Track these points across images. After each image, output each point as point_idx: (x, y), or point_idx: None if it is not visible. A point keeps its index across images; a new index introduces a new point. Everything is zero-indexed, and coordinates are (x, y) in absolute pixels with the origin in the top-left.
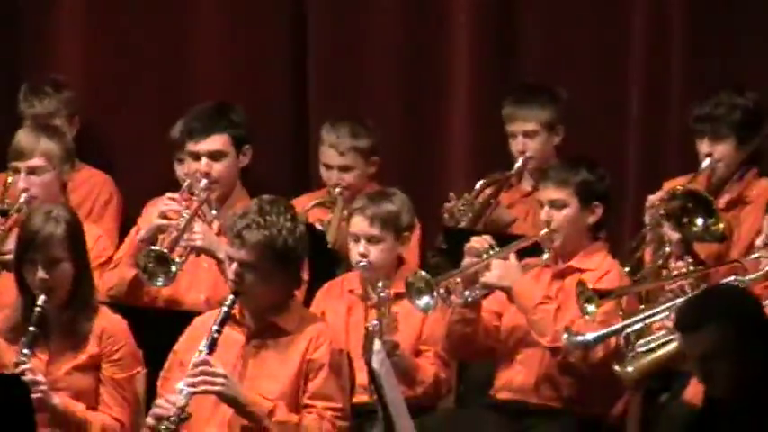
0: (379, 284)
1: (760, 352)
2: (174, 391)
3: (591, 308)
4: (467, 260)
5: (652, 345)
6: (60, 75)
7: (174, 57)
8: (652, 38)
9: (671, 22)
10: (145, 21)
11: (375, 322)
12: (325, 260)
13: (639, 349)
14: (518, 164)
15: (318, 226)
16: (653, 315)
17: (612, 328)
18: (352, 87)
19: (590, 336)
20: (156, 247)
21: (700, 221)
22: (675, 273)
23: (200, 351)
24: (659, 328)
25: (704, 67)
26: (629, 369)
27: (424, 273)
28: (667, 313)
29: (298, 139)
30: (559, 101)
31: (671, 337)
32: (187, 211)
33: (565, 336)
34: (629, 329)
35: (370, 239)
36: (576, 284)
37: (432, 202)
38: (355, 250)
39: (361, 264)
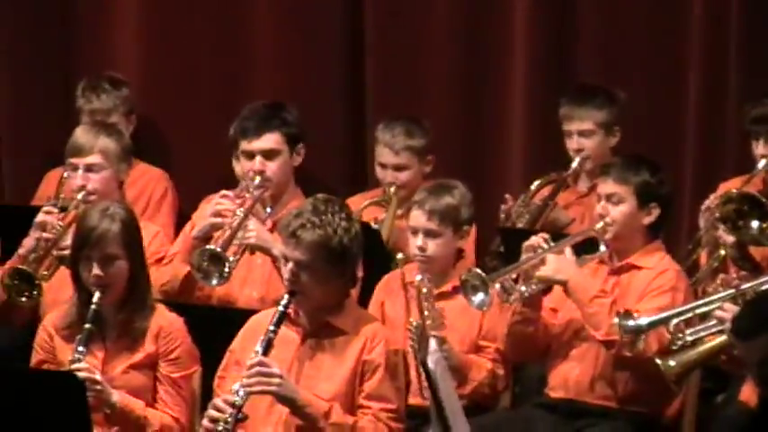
0: (418, 279)
1: None
2: (231, 390)
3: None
4: (523, 256)
5: (701, 334)
6: (117, 72)
7: (230, 55)
8: (710, 39)
9: (729, 22)
10: (200, 19)
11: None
12: (380, 258)
13: (688, 338)
14: (575, 164)
15: (373, 224)
16: (704, 305)
17: (665, 314)
18: (409, 86)
19: (643, 320)
20: (211, 246)
21: (755, 224)
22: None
23: (257, 351)
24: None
25: (762, 68)
26: (672, 363)
27: (478, 270)
28: (719, 304)
29: (354, 138)
30: (617, 102)
31: (720, 327)
32: (241, 209)
33: (616, 320)
34: (680, 318)
35: (429, 233)
36: (623, 314)
37: (488, 202)
38: (414, 243)
39: (419, 257)
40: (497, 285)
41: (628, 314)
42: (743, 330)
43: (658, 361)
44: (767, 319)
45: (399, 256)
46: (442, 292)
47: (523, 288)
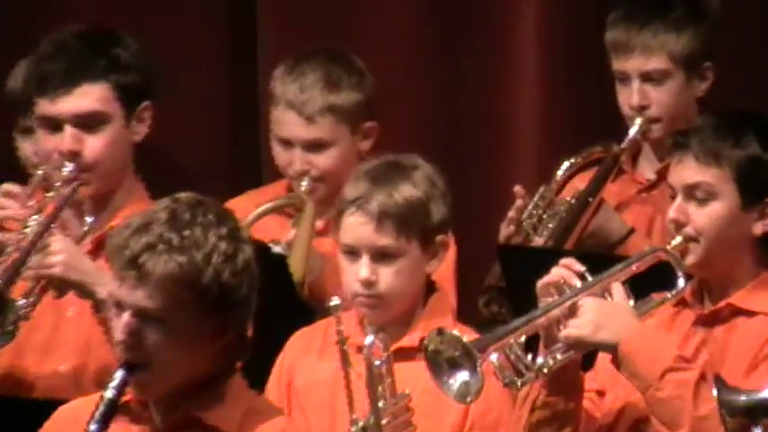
0: (368, 341)
1: None
2: None
3: None
4: (540, 302)
5: None
6: None
7: None
8: None
9: None
10: None
11: (364, 418)
12: (288, 304)
13: None
14: (633, 129)
15: (276, 247)
16: None
17: None
18: (329, 10)
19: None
20: None
21: None
22: None
23: None
24: None
25: None
26: None
27: (456, 332)
28: None
29: (236, 96)
30: (707, 17)
31: None
32: (36, 216)
33: (716, 392)
34: None
35: (380, 254)
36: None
37: (480, 201)
38: (353, 274)
39: (364, 297)
40: (493, 357)
41: (728, 387)
42: None
43: None
44: None
45: (334, 301)
46: (401, 348)
47: (542, 360)
